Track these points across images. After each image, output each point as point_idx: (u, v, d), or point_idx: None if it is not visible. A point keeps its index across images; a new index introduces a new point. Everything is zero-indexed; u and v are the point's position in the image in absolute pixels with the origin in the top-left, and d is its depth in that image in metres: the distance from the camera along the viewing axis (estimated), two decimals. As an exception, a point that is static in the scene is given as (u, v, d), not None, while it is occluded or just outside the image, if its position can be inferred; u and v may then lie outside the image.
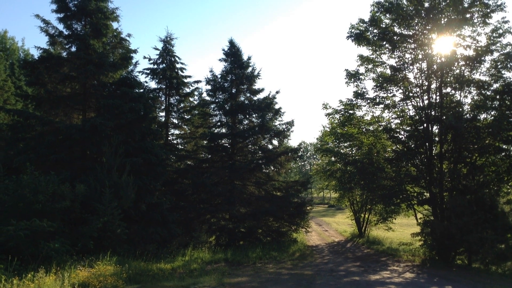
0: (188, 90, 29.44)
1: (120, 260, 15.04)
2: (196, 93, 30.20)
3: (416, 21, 22.75)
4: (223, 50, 27.66)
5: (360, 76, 24.46)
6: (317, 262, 20.74)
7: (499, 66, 21.67)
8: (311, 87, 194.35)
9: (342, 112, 25.63)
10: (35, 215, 14.13)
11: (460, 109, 21.94)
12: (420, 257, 22.17)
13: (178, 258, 18.63)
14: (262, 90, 27.85)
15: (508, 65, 21.45)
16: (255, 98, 27.85)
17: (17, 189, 14.69)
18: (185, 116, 29.90)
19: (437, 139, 22.82)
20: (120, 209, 16.96)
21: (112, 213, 16.47)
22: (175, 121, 30.09)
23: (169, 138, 29.83)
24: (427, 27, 22.44)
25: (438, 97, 22.53)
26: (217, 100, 28.00)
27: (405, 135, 23.86)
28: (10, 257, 12.23)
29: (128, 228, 17.37)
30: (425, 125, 22.60)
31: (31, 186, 14.72)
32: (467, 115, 21.84)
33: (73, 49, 21.58)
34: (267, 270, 17.80)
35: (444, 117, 21.54)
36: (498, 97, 21.53)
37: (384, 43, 23.50)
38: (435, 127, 22.74)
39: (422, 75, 22.95)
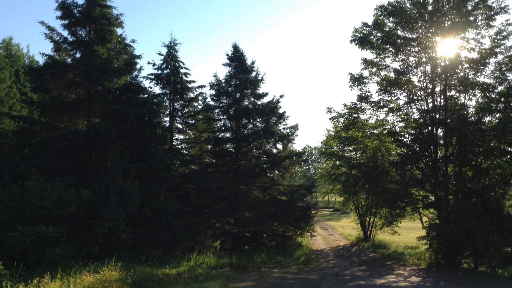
0: (192, 95, 29.56)
1: (125, 266, 15.06)
2: (200, 98, 30.30)
3: (419, 24, 22.72)
4: (227, 55, 27.73)
5: (364, 80, 24.44)
6: (323, 267, 20.67)
7: (503, 69, 21.59)
8: (315, 91, 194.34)
9: (346, 116, 25.57)
10: (41, 221, 14.19)
11: (465, 112, 21.85)
12: (426, 260, 22.05)
13: (183, 263, 18.63)
14: (266, 94, 27.89)
15: (513, 67, 21.40)
16: (259, 103, 27.86)
17: (22, 195, 14.75)
18: (190, 121, 29.98)
19: (442, 142, 22.74)
20: (125, 214, 17.00)
21: (117, 219, 16.51)
22: (180, 126, 30.19)
23: (173, 143, 29.89)
24: (431, 30, 22.41)
25: (442, 100, 22.46)
26: (221, 105, 28.04)
27: (409, 139, 23.76)
28: (15, 263, 12.26)
29: (133, 233, 17.41)
30: (429, 128, 22.52)
31: (36, 192, 14.78)
32: (472, 118, 21.76)
33: (78, 55, 21.74)
34: (272, 275, 17.76)
35: (448, 120, 21.46)
36: (503, 99, 21.45)
37: (388, 46, 23.47)
38: (439, 130, 22.66)
39: (426, 78, 22.89)
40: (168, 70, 28.45)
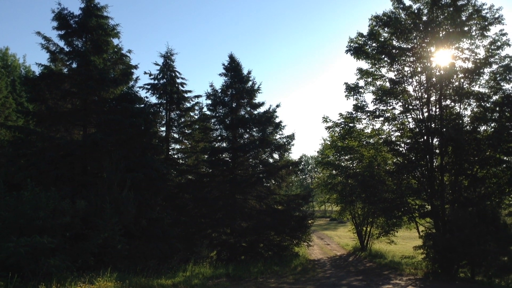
0: (188, 104, 29.48)
1: (120, 276, 14.94)
2: (196, 107, 30.20)
3: (414, 34, 22.91)
4: (223, 65, 27.75)
5: (360, 89, 24.58)
6: (319, 277, 20.58)
7: (498, 78, 21.79)
8: (311, 100, 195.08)
9: (342, 125, 25.66)
10: (36, 232, 14.08)
11: (460, 121, 21.98)
12: (423, 270, 22.01)
13: (179, 273, 18.48)
14: (263, 104, 27.88)
15: (507, 77, 21.60)
16: (255, 112, 27.85)
17: (17, 206, 14.65)
18: (186, 131, 29.92)
19: (437, 151, 22.83)
20: (120, 224, 16.89)
21: (113, 229, 16.40)
22: (176, 135, 30.10)
23: (169, 153, 29.80)
24: (426, 40, 22.59)
25: (437, 110, 22.60)
26: (217, 115, 28.01)
27: (405, 148, 23.86)
28: (10, 274, 12.16)
29: (128, 243, 17.29)
30: (425, 137, 22.62)
31: (31, 202, 14.69)
32: (467, 127, 21.90)
33: (74, 65, 21.67)
34: (269, 285, 17.67)
35: (444, 129, 21.58)
36: (497, 109, 21.62)
37: (383, 56, 23.64)
38: (435, 140, 22.77)
39: (422, 87, 23.04)
40: (165, 80, 28.42)
